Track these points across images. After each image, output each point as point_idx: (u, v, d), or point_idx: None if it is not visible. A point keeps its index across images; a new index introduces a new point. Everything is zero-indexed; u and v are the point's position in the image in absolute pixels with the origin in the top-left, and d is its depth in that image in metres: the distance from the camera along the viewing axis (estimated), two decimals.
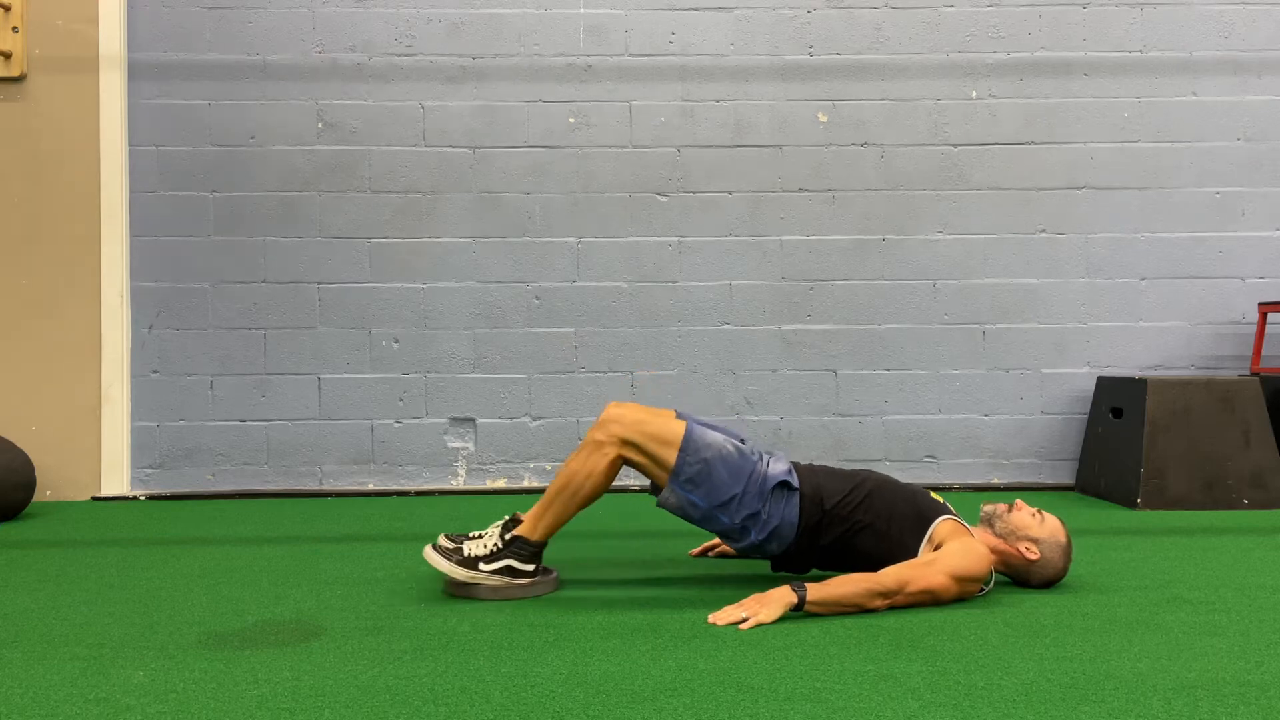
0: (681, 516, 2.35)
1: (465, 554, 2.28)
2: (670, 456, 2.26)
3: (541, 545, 2.31)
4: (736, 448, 2.32)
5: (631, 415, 2.28)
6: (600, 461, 2.26)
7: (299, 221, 4.01)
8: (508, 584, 2.29)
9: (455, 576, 2.27)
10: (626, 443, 2.26)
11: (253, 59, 4.01)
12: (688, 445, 2.26)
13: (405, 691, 1.66)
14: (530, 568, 2.30)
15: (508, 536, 2.29)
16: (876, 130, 4.08)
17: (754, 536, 2.30)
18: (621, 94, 4.05)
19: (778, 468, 2.33)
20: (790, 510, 2.29)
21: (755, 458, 2.33)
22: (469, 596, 2.29)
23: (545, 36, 4.05)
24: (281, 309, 4.01)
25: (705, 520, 2.32)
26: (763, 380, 4.06)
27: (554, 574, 2.41)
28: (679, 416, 2.36)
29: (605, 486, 2.29)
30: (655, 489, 2.35)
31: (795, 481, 2.32)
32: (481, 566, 2.27)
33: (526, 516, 2.32)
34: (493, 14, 4.04)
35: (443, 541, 2.34)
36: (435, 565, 2.27)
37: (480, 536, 2.32)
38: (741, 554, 2.41)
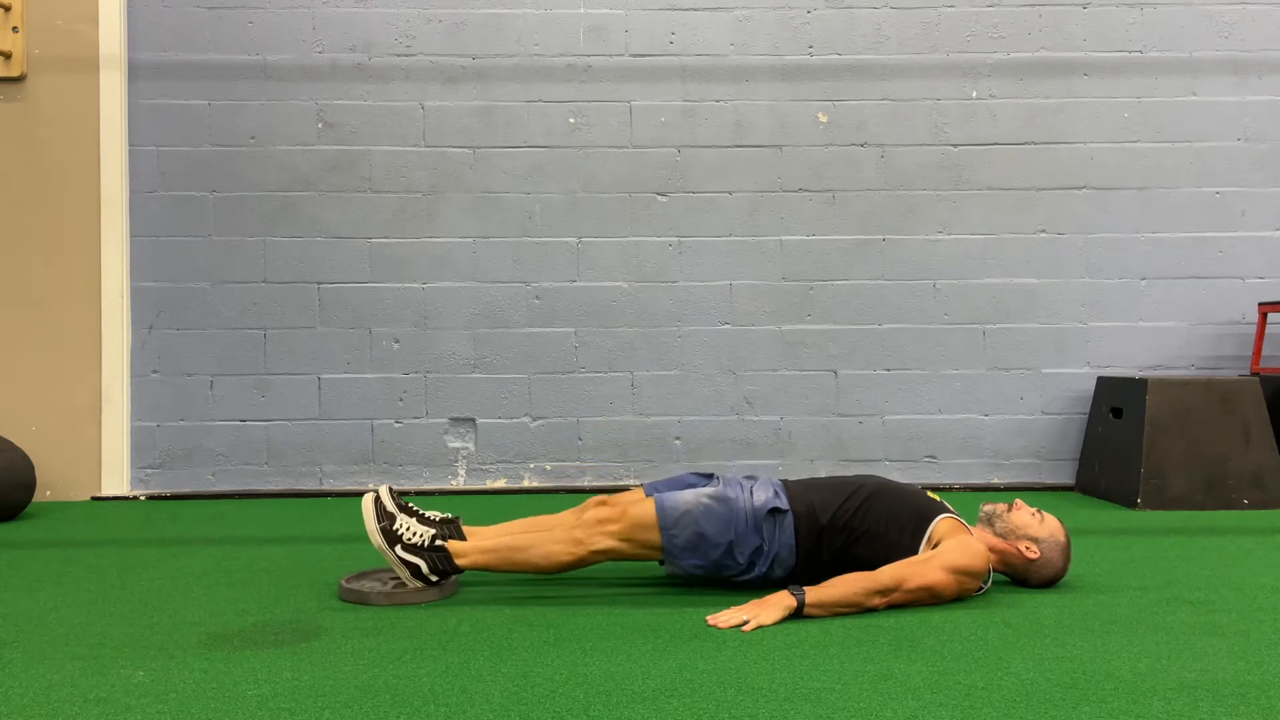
0: (693, 579, 2.40)
1: (394, 527, 2.26)
2: (655, 538, 2.26)
3: (460, 572, 2.30)
4: (712, 495, 2.29)
5: (616, 523, 2.27)
6: (566, 556, 2.27)
7: (299, 221, 4.01)
8: (404, 583, 2.27)
9: (372, 538, 2.24)
10: (605, 551, 2.26)
11: (253, 59, 4.01)
12: (664, 520, 2.26)
13: (405, 691, 1.66)
14: (435, 579, 2.28)
15: (438, 544, 2.27)
16: (876, 130, 4.08)
17: (760, 569, 2.30)
18: (621, 94, 4.05)
19: (762, 495, 2.31)
20: (785, 534, 2.29)
21: (735, 493, 2.31)
22: (361, 603, 2.26)
23: (545, 36, 4.05)
24: (281, 309, 4.01)
25: (714, 573, 2.32)
26: (763, 380, 4.06)
27: (453, 579, 2.36)
28: (647, 493, 2.36)
29: (553, 574, 2.33)
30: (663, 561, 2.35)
31: (784, 504, 2.30)
32: (398, 549, 2.25)
33: (471, 537, 2.31)
34: (493, 14, 4.04)
35: (386, 498, 2.30)
36: (364, 514, 2.26)
37: (424, 520, 2.30)
38: (753, 587, 2.35)
